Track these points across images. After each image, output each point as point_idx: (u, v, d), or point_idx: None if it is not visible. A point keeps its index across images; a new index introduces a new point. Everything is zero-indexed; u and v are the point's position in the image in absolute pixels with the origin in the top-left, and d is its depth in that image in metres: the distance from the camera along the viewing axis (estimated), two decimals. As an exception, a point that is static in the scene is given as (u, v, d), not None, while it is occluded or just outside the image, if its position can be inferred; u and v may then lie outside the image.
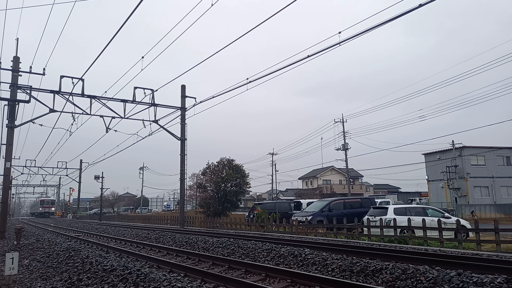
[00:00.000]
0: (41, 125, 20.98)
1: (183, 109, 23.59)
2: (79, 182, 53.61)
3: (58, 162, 50.72)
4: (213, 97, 19.52)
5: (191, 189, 49.82)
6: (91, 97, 19.78)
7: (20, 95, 18.36)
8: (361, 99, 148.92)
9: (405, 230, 14.91)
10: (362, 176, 67.60)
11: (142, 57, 17.27)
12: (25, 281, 7.47)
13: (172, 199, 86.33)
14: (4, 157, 18.49)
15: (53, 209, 73.76)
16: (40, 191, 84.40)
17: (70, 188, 66.53)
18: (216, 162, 35.91)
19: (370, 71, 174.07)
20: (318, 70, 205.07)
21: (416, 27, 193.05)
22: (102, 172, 52.06)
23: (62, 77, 18.81)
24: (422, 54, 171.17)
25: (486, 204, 39.77)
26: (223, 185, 34.73)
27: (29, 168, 45.77)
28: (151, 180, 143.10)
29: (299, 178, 73.63)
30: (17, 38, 18.34)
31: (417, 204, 39.47)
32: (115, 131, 22.08)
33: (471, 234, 14.47)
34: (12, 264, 6.89)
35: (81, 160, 52.19)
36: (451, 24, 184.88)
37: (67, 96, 19.13)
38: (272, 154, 53.55)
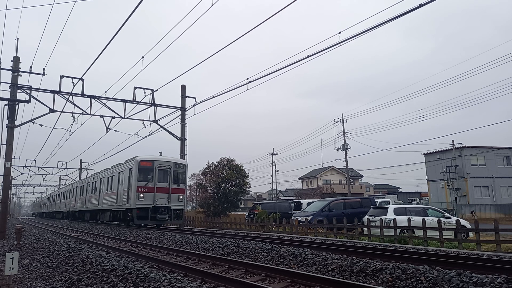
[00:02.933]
0: (41, 125, 21.00)
1: (183, 109, 23.58)
2: (79, 182, 52.37)
3: (58, 162, 50.54)
4: (213, 97, 19.54)
5: (191, 189, 49.89)
6: (91, 97, 19.79)
7: (20, 95, 18.39)
8: (361, 101, 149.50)
9: (405, 230, 14.90)
10: (362, 176, 67.63)
11: (142, 57, 17.32)
12: (25, 281, 7.46)
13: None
14: (4, 157, 18.50)
15: (181, 197, 20.57)
16: (40, 191, 77.52)
17: (70, 188, 65.77)
18: (216, 162, 35.95)
19: (370, 74, 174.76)
20: (319, 72, 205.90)
21: (415, 32, 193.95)
22: (103, 172, 51.13)
23: (62, 77, 18.82)
24: (421, 58, 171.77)
25: (486, 204, 39.78)
26: (223, 185, 34.72)
27: (29, 168, 45.84)
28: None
29: (299, 178, 73.70)
30: (17, 38, 18.34)
31: (417, 204, 39.49)
32: (115, 131, 22.03)
33: (471, 234, 14.46)
34: (12, 264, 6.89)
35: (81, 160, 52.15)
36: (449, 28, 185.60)
37: (67, 96, 19.14)
38: (272, 154, 53.62)
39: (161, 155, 20.78)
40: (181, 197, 20.33)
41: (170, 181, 19.83)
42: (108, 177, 24.06)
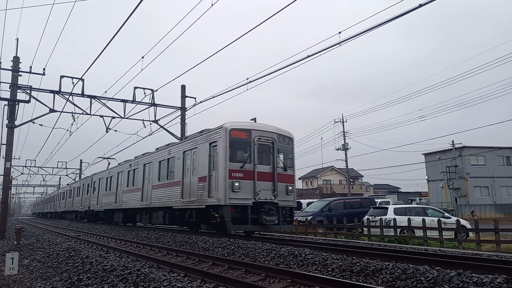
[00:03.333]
0: (41, 125, 20.99)
1: (183, 109, 23.57)
2: (79, 182, 51.90)
3: (58, 162, 50.55)
4: (213, 97, 19.52)
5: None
6: (91, 97, 19.78)
7: (20, 95, 18.39)
8: (361, 101, 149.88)
9: (405, 230, 14.91)
10: (362, 176, 67.69)
11: (142, 57, 17.34)
12: (25, 281, 7.46)
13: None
14: (4, 157, 18.51)
15: (291, 188, 13.35)
16: (40, 191, 77.08)
17: (70, 188, 65.25)
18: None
19: (370, 74, 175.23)
20: (319, 73, 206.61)
21: (415, 32, 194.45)
22: (103, 172, 50.90)
23: (62, 77, 18.81)
24: (421, 58, 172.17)
25: (486, 204, 39.81)
26: (223, 185, 34.50)
27: (29, 168, 45.91)
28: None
29: (299, 178, 73.70)
30: (17, 38, 18.36)
31: (417, 204, 39.50)
32: (115, 131, 22.04)
33: (471, 234, 14.47)
34: (12, 264, 6.89)
35: (81, 160, 52.18)
36: (449, 28, 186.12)
37: (67, 96, 19.13)
38: (272, 154, 53.51)
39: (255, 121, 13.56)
40: (290, 188, 13.19)
41: (275, 162, 12.81)
42: (160, 161, 16.96)
